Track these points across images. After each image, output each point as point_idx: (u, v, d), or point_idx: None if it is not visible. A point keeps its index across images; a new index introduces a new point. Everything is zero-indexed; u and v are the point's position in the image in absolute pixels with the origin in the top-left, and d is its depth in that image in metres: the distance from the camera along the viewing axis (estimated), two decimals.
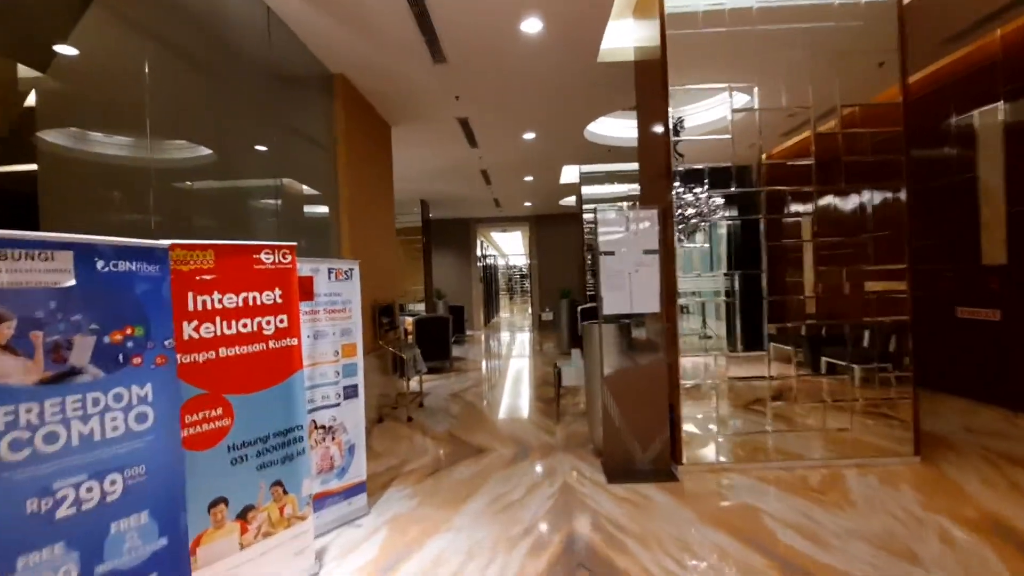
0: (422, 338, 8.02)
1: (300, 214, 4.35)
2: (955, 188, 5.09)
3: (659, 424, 3.63)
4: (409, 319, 9.42)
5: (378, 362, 5.31)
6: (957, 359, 5.07)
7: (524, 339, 12.78)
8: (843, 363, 3.79)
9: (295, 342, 2.45)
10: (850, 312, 3.77)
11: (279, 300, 2.39)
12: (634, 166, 9.14)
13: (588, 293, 9.61)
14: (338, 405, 3.00)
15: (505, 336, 13.74)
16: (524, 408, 5.67)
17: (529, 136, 6.87)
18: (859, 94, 3.65)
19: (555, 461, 3.97)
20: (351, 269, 3.10)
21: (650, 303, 3.62)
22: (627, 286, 3.62)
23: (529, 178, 9.65)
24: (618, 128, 7.55)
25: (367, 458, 3.56)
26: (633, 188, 9.61)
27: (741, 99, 3.67)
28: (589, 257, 9.68)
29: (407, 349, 5.48)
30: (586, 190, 9.42)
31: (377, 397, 5.26)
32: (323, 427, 2.94)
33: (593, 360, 3.97)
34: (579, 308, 8.94)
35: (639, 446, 3.62)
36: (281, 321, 2.40)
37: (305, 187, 4.46)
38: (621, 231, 3.63)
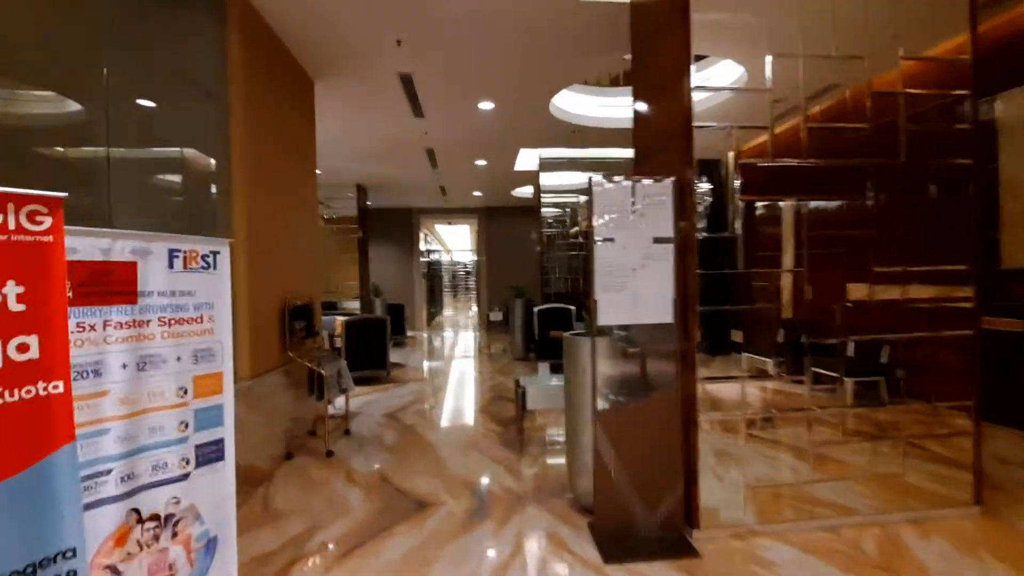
0: (354, 343, 6.76)
1: (161, 180, 3.07)
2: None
3: (670, 476, 2.67)
4: (340, 319, 8.13)
5: (287, 379, 4.07)
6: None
7: (471, 341, 11.67)
8: (847, 378, 2.98)
9: (60, 388, 1.27)
10: (891, 325, 2.95)
11: (18, 306, 1.20)
12: (600, 152, 8.27)
13: (546, 293, 8.64)
14: (185, 478, 1.82)
15: (450, 337, 12.58)
16: (477, 433, 4.59)
17: (486, 106, 5.78)
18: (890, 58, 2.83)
19: (525, 522, 2.92)
20: (215, 253, 1.91)
21: (660, 310, 2.65)
22: (630, 286, 2.62)
23: (482, 162, 8.55)
24: (586, 106, 6.61)
25: (258, 526, 2.39)
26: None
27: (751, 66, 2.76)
28: (551, 252, 8.72)
29: (328, 362, 4.27)
30: (545, 180, 8.44)
31: (285, 425, 4.02)
32: (154, 518, 1.74)
33: (578, 386, 2.96)
34: (535, 309, 7.96)
35: (644, 505, 2.64)
36: (23, 349, 1.20)
37: (188, 150, 3.18)
38: (623, 211, 2.63)
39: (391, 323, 7.42)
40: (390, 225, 13.29)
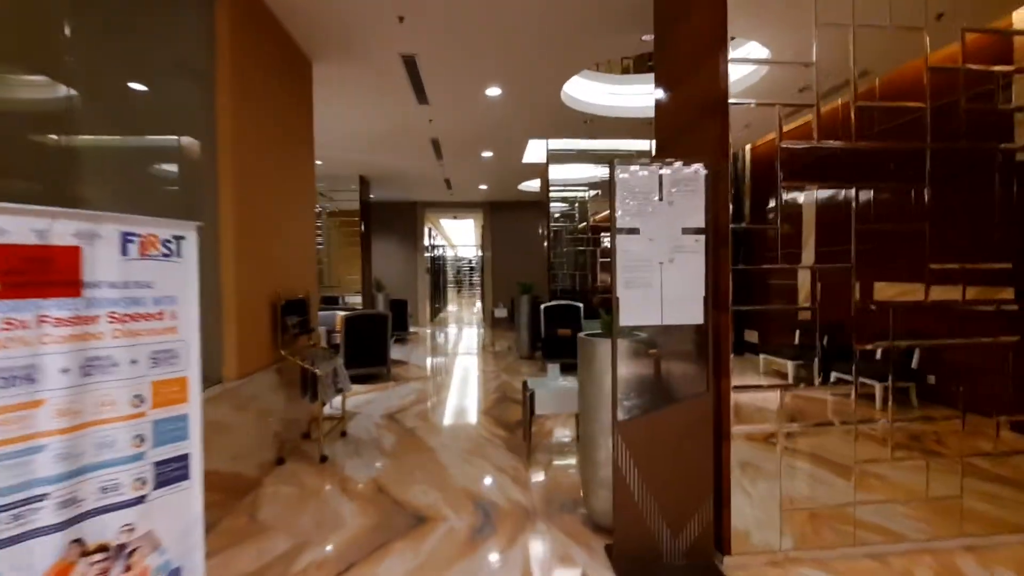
0: (354, 340, 6.50)
1: (138, 165, 2.80)
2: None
3: (698, 496, 2.38)
4: (341, 314, 7.89)
5: (280, 379, 3.80)
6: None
7: (475, 338, 11.40)
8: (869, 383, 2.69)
9: None
10: (927, 327, 2.65)
11: None
12: (612, 144, 7.96)
13: (553, 289, 8.36)
14: (140, 501, 1.55)
15: (454, 334, 12.32)
16: (481, 437, 4.32)
17: (493, 92, 5.49)
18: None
19: (535, 542, 2.64)
20: (178, 239, 1.64)
21: (690, 310, 2.36)
22: (657, 282, 2.34)
23: (488, 154, 8.26)
24: (598, 94, 6.31)
25: (240, 542, 2.13)
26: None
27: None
28: (559, 248, 8.43)
29: (323, 361, 4.00)
30: (553, 173, 8.13)
31: (277, 428, 3.76)
32: (102, 549, 1.48)
33: (594, 392, 2.67)
34: (543, 306, 7.68)
35: (668, 529, 2.36)
36: None
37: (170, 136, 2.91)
38: (649, 198, 2.34)
39: (393, 319, 7.16)
40: (393, 219, 13.02)
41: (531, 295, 8.35)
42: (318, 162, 8.42)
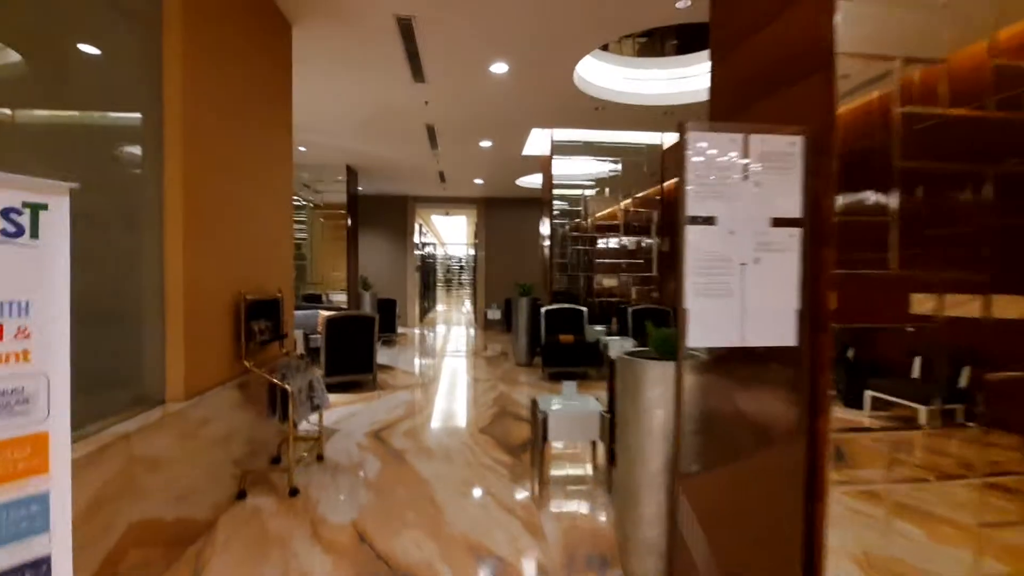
0: (337, 344, 5.85)
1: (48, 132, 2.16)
2: None
3: (784, 568, 1.80)
4: (324, 314, 7.24)
5: (243, 395, 3.16)
6: None
7: (467, 341, 10.78)
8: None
9: None
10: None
11: None
12: (621, 136, 7.39)
13: (554, 291, 7.77)
14: None
15: (443, 336, 11.68)
16: (481, 465, 3.71)
17: (499, 68, 4.87)
18: None
19: None
20: (33, 210, 1.01)
21: (779, 326, 1.78)
22: (737, 290, 1.75)
23: (487, 143, 7.65)
24: (612, 78, 5.73)
25: None
26: (616, 170, 7.88)
27: None
28: (557, 248, 7.84)
29: (297, 373, 3.37)
30: (557, 169, 7.52)
31: (239, 455, 3.11)
32: None
33: (639, 430, 2.08)
34: (543, 310, 7.08)
35: None
36: None
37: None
38: (729, 176, 1.75)
39: (380, 319, 6.51)
40: (383, 213, 12.35)
41: (530, 297, 7.76)
42: (301, 148, 7.75)
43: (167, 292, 2.52)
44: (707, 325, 1.73)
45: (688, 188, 1.72)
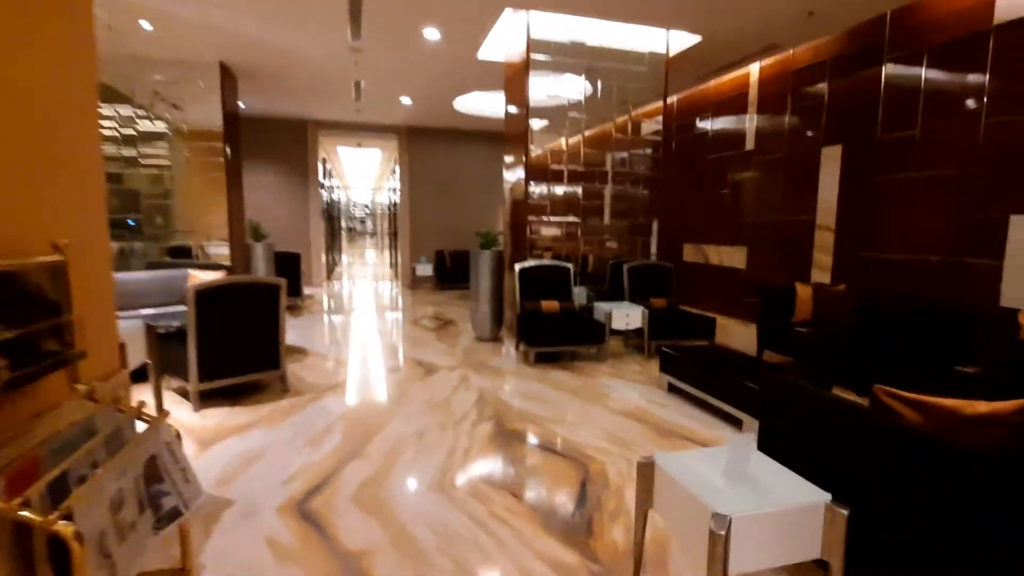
0: (216, 329, 3.63)
1: None
2: None
3: None
4: (198, 278, 4.98)
5: None
6: None
7: (395, 303, 8.68)
8: None
9: None
10: None
11: None
12: (619, 39, 5.52)
13: (521, 246, 5.95)
14: None
15: (362, 297, 9.44)
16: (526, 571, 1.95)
17: None
18: None
19: None
20: None
21: None
22: None
23: (433, 33, 5.41)
24: None
25: None
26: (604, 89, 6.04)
27: None
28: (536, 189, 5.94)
29: (85, 467, 1.32)
30: (533, 81, 5.52)
31: None
32: None
33: None
34: (518, 268, 5.27)
35: None
36: None
37: None
38: None
39: (286, 287, 4.29)
40: (276, 142, 9.58)
41: (494, 251, 5.88)
42: (144, 23, 4.95)
43: None
44: None
45: None
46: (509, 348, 5.50)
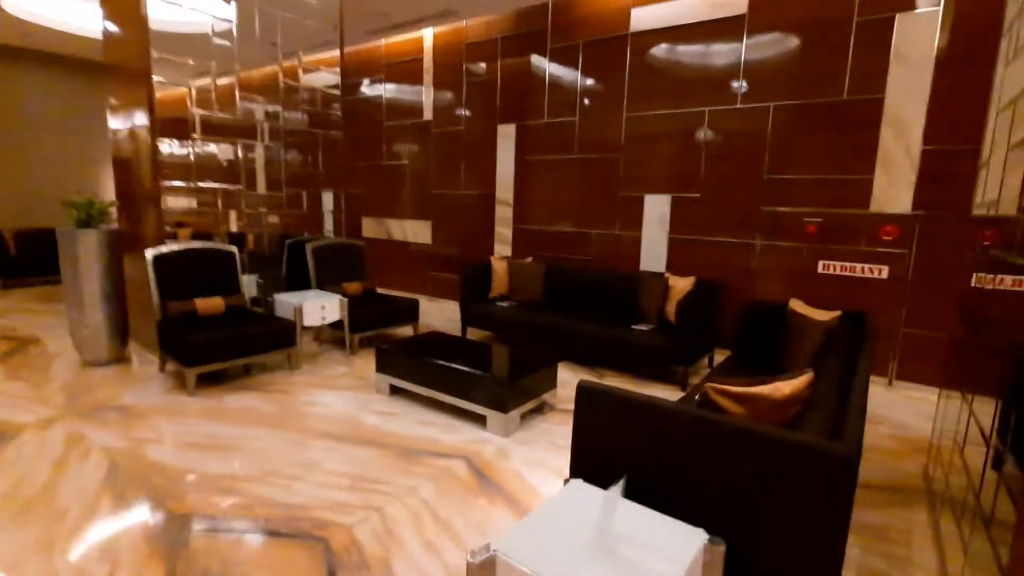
0: None
1: None
2: None
3: None
4: None
5: None
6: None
7: None
8: None
9: None
10: None
11: None
12: None
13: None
14: None
15: None
16: None
17: None
18: None
19: None
20: None
21: None
22: None
23: None
24: None
25: None
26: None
27: None
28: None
29: None
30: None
31: None
32: None
33: None
34: (151, 254, 3.64)
35: None
36: None
37: None
38: None
39: None
40: None
41: (104, 230, 3.93)
42: None
43: None
44: None
45: None
46: (149, 372, 3.82)
